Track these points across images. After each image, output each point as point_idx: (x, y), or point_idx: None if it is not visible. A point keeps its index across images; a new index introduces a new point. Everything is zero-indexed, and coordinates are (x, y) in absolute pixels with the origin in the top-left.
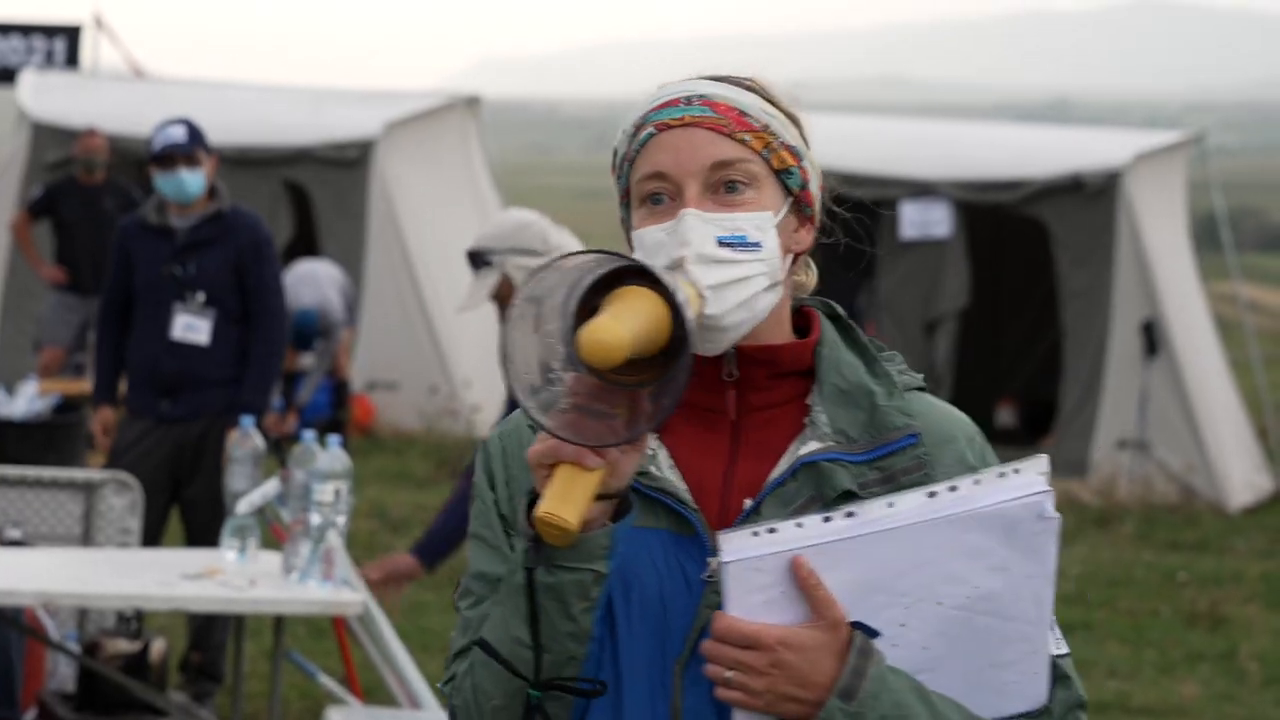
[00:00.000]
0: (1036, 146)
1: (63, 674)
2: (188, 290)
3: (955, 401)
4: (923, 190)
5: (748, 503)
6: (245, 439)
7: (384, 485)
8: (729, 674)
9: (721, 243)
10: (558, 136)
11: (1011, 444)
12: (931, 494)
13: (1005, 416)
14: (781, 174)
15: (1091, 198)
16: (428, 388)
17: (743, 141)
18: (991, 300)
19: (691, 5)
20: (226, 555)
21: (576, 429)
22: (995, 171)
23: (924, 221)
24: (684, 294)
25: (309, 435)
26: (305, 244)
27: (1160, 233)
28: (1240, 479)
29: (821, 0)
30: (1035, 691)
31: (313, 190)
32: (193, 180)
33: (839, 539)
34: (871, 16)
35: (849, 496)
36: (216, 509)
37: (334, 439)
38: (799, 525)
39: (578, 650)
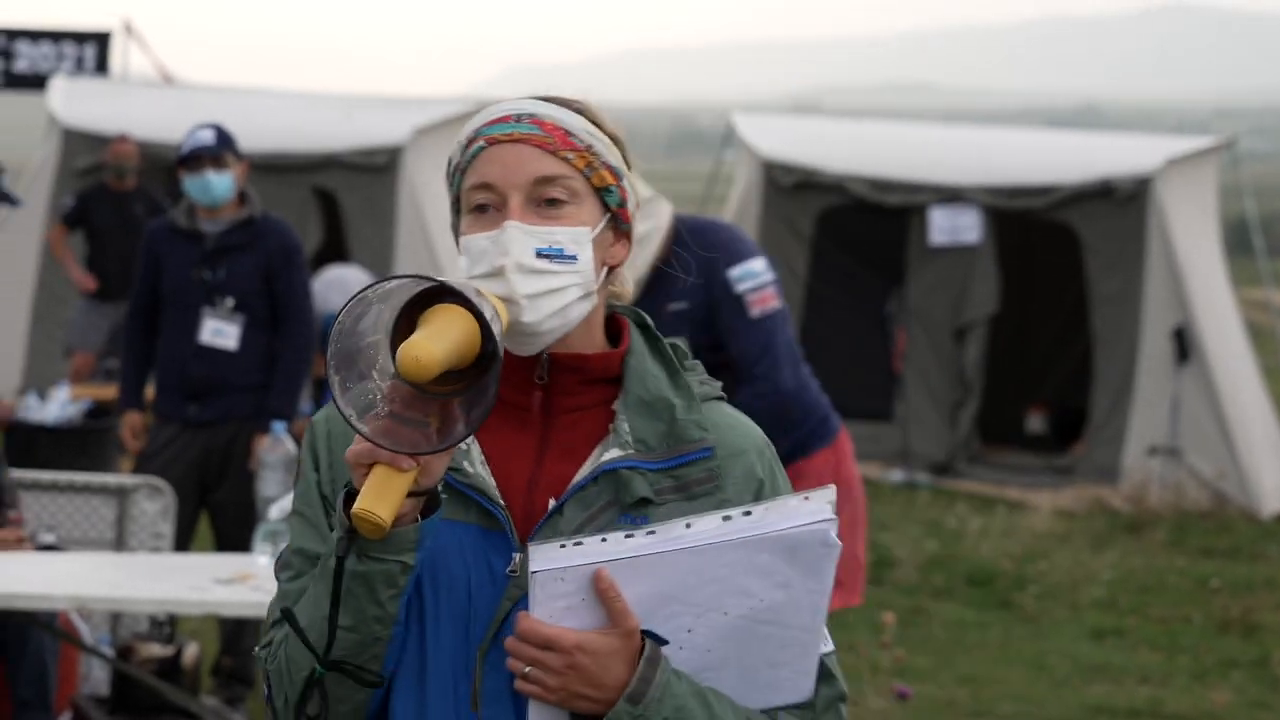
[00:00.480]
0: (1066, 152)
1: (96, 678)
2: (216, 295)
3: (985, 408)
4: (952, 196)
5: (551, 502)
6: (276, 444)
7: None
8: (528, 669)
9: (539, 254)
10: None
11: (1042, 450)
12: (726, 518)
13: (1035, 423)
14: (601, 191)
15: (1122, 203)
16: None
17: (565, 159)
18: (1021, 306)
19: (716, 12)
20: (259, 560)
21: (392, 436)
22: (1025, 177)
23: (953, 227)
24: (491, 311)
25: None
26: (334, 250)
27: (1191, 238)
28: (1272, 485)
29: (847, 6)
30: (804, 686)
31: (342, 196)
32: (219, 182)
33: (638, 555)
34: (898, 22)
35: (644, 503)
36: (245, 513)
37: None
38: (603, 540)
39: (383, 633)
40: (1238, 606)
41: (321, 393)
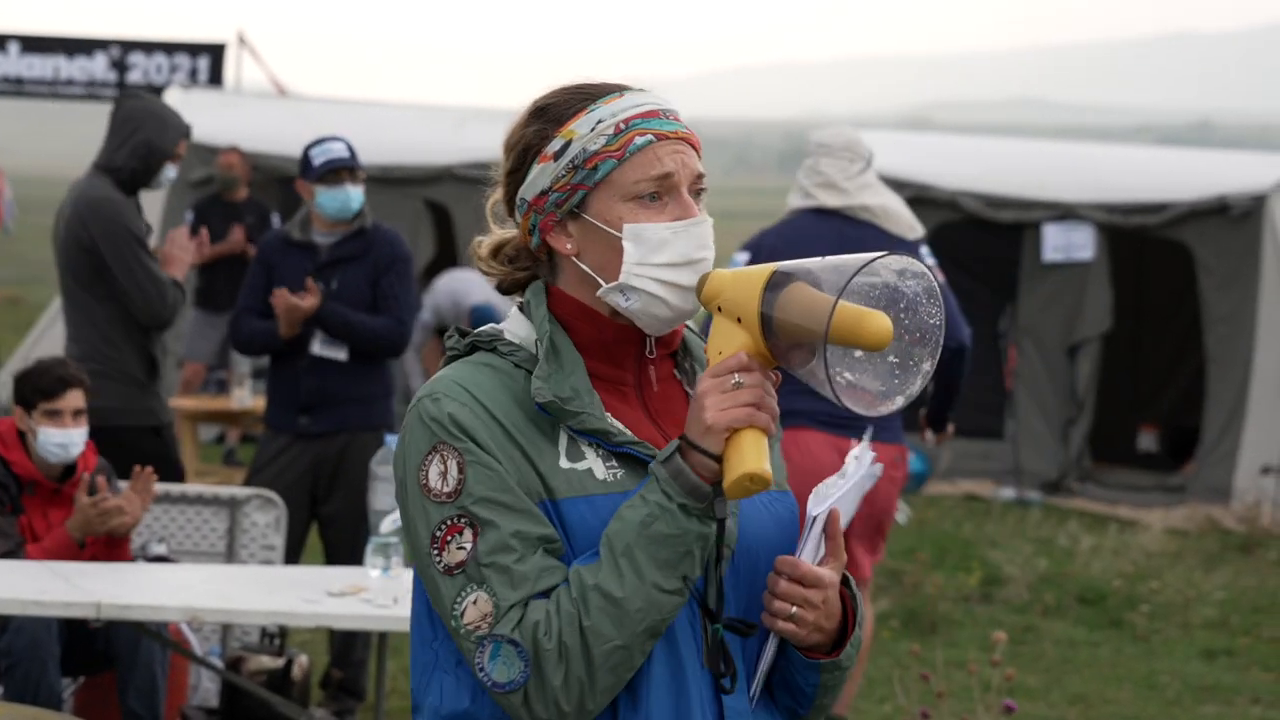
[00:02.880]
0: (1180, 169)
1: (205, 689)
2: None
3: (1097, 426)
4: (1065, 213)
5: None
6: (389, 456)
7: None
8: (794, 610)
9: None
10: None
11: (1154, 469)
12: (856, 456)
13: (1147, 441)
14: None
15: (1236, 221)
16: None
17: (699, 159)
18: (1134, 324)
19: (828, 29)
20: (370, 573)
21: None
22: (1138, 194)
23: (1067, 244)
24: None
25: None
26: (447, 264)
27: None
28: None
29: (962, 22)
30: None
31: (454, 209)
32: (356, 195)
33: (840, 493)
34: (1012, 38)
35: None
36: (356, 525)
37: None
38: (828, 485)
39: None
40: None
41: None
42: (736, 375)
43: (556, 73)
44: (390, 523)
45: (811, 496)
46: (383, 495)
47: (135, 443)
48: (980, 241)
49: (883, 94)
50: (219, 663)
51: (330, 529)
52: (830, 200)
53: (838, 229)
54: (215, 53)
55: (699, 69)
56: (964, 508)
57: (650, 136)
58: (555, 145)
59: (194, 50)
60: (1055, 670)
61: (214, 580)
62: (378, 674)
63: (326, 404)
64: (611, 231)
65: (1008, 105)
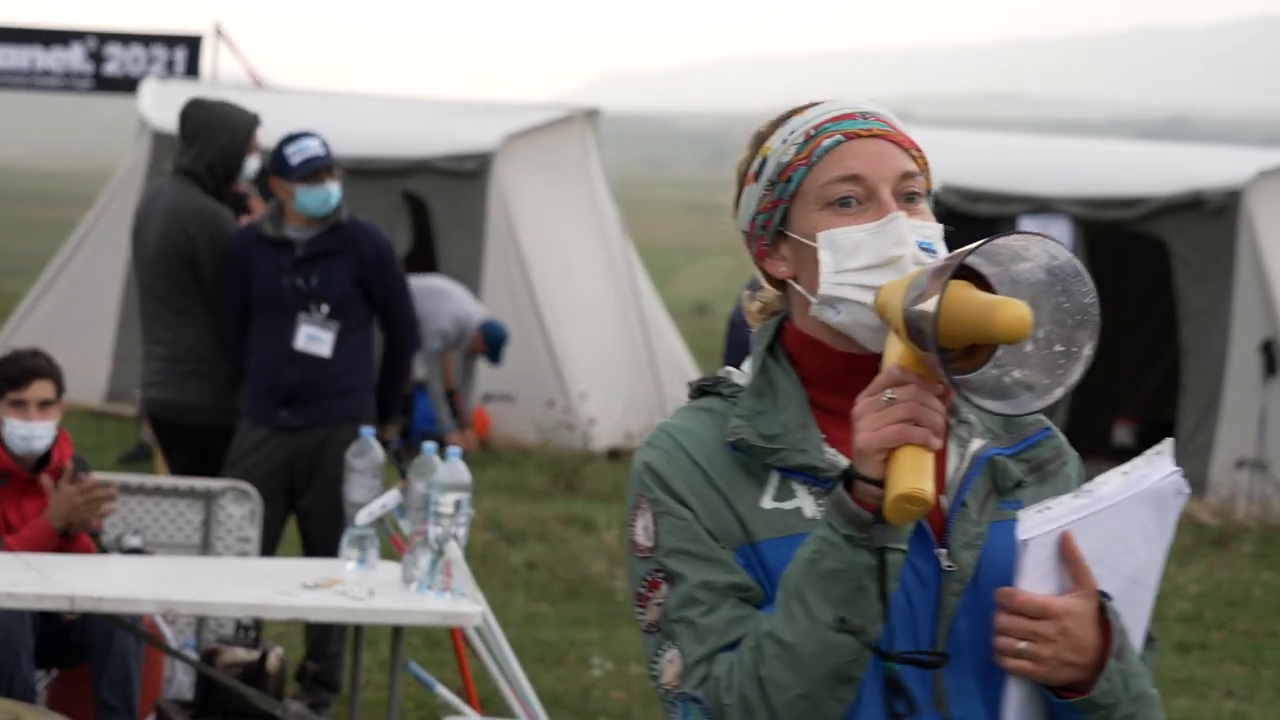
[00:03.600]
0: (1156, 164)
1: (180, 681)
2: (311, 302)
3: (1073, 419)
4: (1042, 207)
5: (944, 500)
6: (365, 449)
7: (499, 497)
8: (1022, 645)
9: (920, 247)
10: (674, 150)
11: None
12: (1125, 473)
13: (1122, 435)
14: (928, 195)
15: (1212, 215)
16: (544, 401)
17: (914, 158)
18: (1110, 318)
19: (807, 21)
20: (346, 565)
21: (918, 416)
22: (1115, 188)
23: None
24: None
25: (429, 447)
26: (423, 256)
27: None
28: None
29: (938, 15)
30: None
31: (431, 202)
32: (335, 192)
33: (1084, 515)
34: (990, 32)
35: (1018, 487)
36: (334, 518)
37: (454, 450)
38: (1061, 503)
39: (877, 635)
40: None
41: (408, 399)
42: (889, 391)
43: (535, 65)
44: (367, 515)
45: (1022, 518)
46: (358, 488)
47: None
48: (957, 235)
49: (861, 87)
50: (194, 655)
51: (308, 521)
52: None
53: None
54: (192, 44)
55: (677, 61)
56: None
57: (839, 137)
58: (755, 165)
59: (171, 41)
60: None
61: (189, 572)
62: (354, 667)
63: (308, 397)
64: (809, 243)
65: (985, 99)
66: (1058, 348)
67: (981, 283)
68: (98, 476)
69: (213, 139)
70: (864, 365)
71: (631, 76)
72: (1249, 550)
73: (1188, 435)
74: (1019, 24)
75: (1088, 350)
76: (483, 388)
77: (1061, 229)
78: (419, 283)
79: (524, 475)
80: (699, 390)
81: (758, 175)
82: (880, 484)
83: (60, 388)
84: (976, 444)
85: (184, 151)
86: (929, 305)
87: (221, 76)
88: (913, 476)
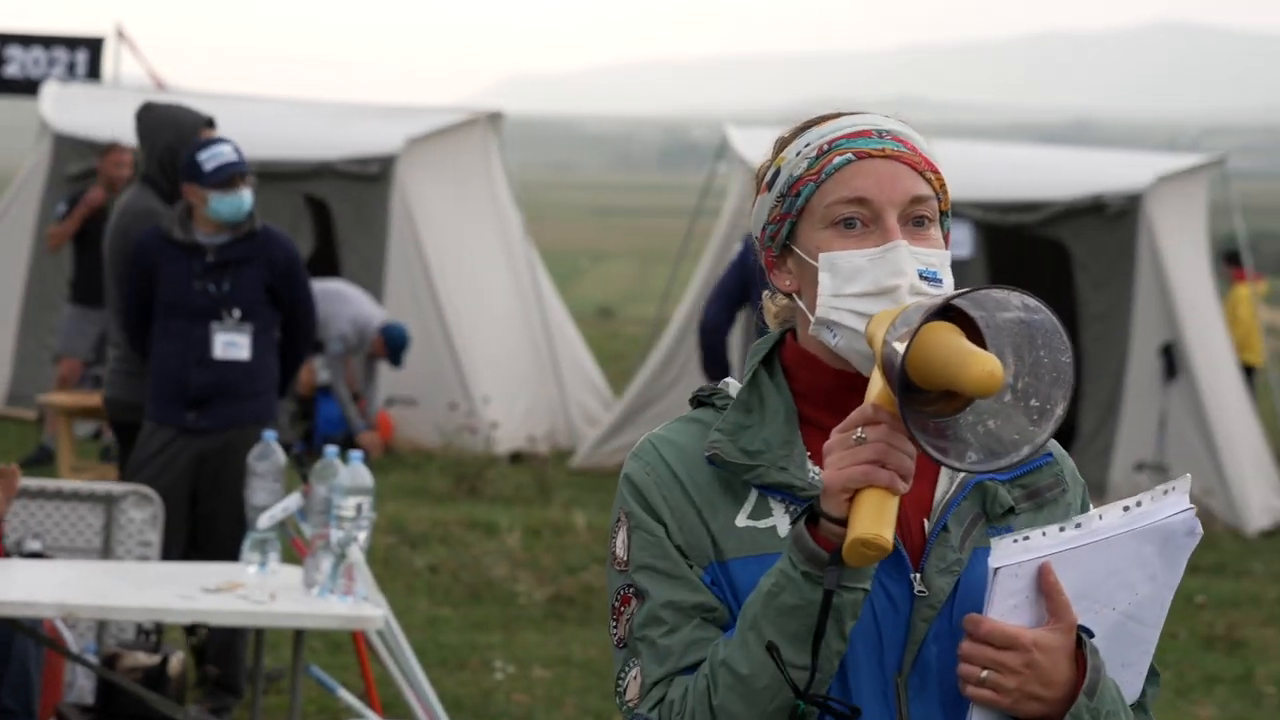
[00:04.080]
0: (1057, 168)
1: (81, 686)
2: (222, 308)
3: None
4: None
5: (926, 522)
6: (267, 452)
7: (402, 501)
8: (984, 674)
9: (920, 276)
10: (577, 154)
11: None
12: (1126, 508)
13: None
14: (943, 216)
15: (1112, 220)
16: (447, 404)
17: (929, 180)
18: None
19: (712, 25)
20: (247, 569)
21: (886, 458)
22: (1016, 192)
23: None
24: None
25: (331, 450)
26: (326, 259)
27: (1181, 255)
28: (1258, 502)
29: (842, 21)
30: (1136, 689)
31: (334, 205)
32: (249, 199)
33: (1073, 547)
34: (892, 37)
35: (1009, 513)
36: (238, 521)
37: (355, 454)
38: (1044, 534)
39: (835, 667)
40: (1222, 623)
41: (311, 405)
42: (860, 429)
43: (438, 68)
44: (268, 518)
45: (996, 546)
46: (259, 491)
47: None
48: None
49: (762, 92)
50: (94, 659)
51: (209, 524)
52: None
53: None
54: (94, 46)
55: (580, 64)
56: None
57: (850, 155)
58: (769, 174)
59: (72, 44)
60: None
61: (89, 577)
62: (254, 669)
63: (218, 400)
64: (811, 262)
65: (889, 104)
66: (1033, 403)
67: (971, 327)
68: None
69: (158, 139)
70: (859, 384)
71: (535, 80)
72: None
73: (1088, 438)
74: (921, 29)
75: (1060, 410)
76: (385, 391)
77: (963, 233)
78: (317, 286)
79: (426, 478)
80: (696, 400)
81: (770, 185)
82: (843, 523)
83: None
84: None
85: (142, 155)
86: (901, 344)
87: (123, 79)
88: (872, 521)
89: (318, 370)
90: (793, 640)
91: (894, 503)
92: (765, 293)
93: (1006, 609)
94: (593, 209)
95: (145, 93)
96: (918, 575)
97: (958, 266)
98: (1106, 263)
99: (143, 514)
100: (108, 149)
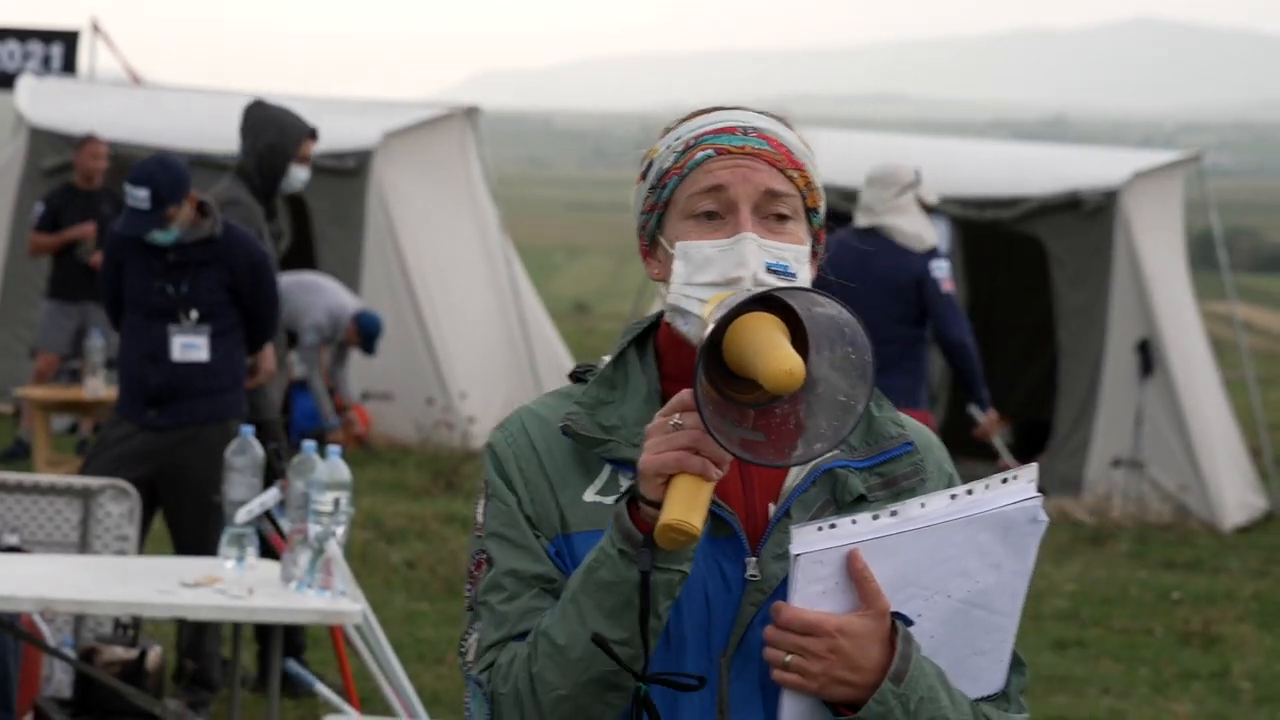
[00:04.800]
0: (1034, 164)
1: (59, 680)
2: (180, 309)
3: (950, 419)
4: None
5: (772, 507)
6: (244, 447)
7: (379, 496)
8: (789, 658)
9: (769, 268)
10: (553, 149)
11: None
12: (953, 496)
13: (1000, 434)
14: (811, 212)
15: (1089, 216)
16: (424, 399)
17: (790, 178)
18: (987, 318)
19: (689, 20)
20: (225, 564)
21: (702, 445)
22: (992, 189)
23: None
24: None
25: (309, 445)
26: (302, 253)
27: (1157, 252)
28: (1234, 499)
29: (820, 16)
30: (998, 678)
31: (310, 200)
32: (165, 236)
33: (886, 535)
34: (870, 33)
35: (860, 501)
36: (197, 516)
37: (334, 449)
38: (853, 522)
39: (654, 644)
40: (1199, 619)
41: (289, 397)
42: (678, 415)
43: (414, 63)
44: (246, 513)
45: (795, 534)
46: (237, 486)
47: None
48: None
49: (740, 87)
50: (72, 654)
51: (173, 517)
52: (862, 220)
53: (858, 243)
54: (69, 40)
55: (555, 59)
56: None
57: (710, 151)
58: (644, 165)
59: (47, 37)
60: None
61: (67, 571)
62: (231, 664)
63: (176, 399)
64: (671, 251)
65: (865, 100)
66: (841, 397)
67: (796, 322)
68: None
69: (260, 136)
70: None
71: (511, 75)
72: (1124, 549)
73: (1064, 435)
74: (900, 25)
75: (861, 407)
76: (362, 385)
77: (940, 228)
78: (291, 278)
79: (403, 473)
80: (573, 376)
81: (644, 176)
82: (659, 506)
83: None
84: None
85: (240, 148)
86: (709, 330)
87: (99, 73)
88: (682, 507)
89: (294, 364)
90: (609, 616)
91: (707, 489)
92: None
93: (813, 595)
94: (568, 204)
95: (121, 86)
96: (753, 559)
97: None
98: (1083, 259)
99: (120, 508)
100: (83, 141)
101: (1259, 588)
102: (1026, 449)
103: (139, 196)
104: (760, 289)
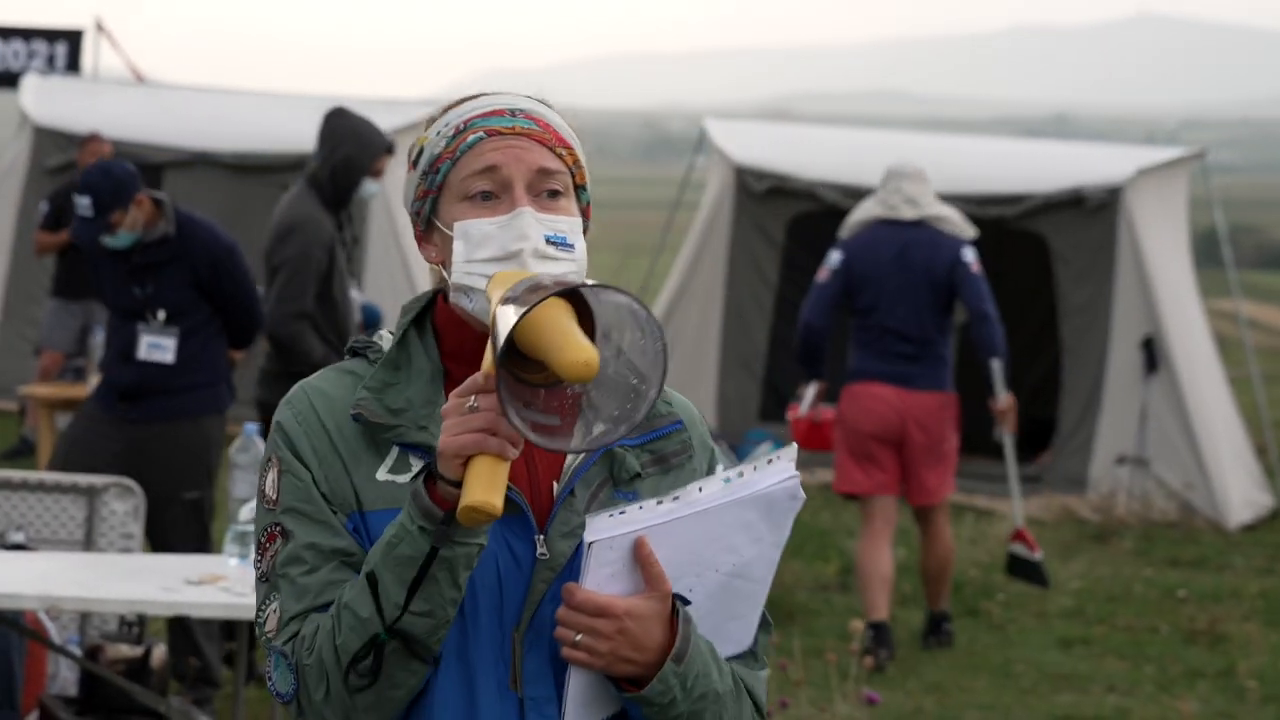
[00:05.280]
0: (1037, 161)
1: (64, 678)
2: (147, 309)
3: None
4: None
5: (556, 486)
6: (248, 445)
7: None
8: (579, 638)
9: (548, 240)
10: None
11: None
12: (727, 480)
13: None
14: (579, 189)
15: (1092, 213)
16: None
17: (559, 155)
18: None
19: (691, 18)
20: (229, 561)
21: (496, 426)
22: (996, 186)
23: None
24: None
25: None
26: None
27: (1161, 249)
28: (1239, 496)
29: (823, 14)
30: (748, 638)
31: None
32: (116, 240)
33: (669, 519)
34: (873, 30)
35: (635, 478)
36: (163, 508)
37: None
38: (640, 508)
39: (452, 614)
40: (1204, 617)
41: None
42: (473, 397)
43: (416, 62)
44: (248, 510)
45: (590, 522)
46: (241, 483)
47: None
48: (839, 231)
49: (743, 85)
50: (77, 651)
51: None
52: (909, 213)
53: (902, 234)
54: (73, 39)
55: (557, 58)
56: (821, 497)
57: (481, 134)
58: (414, 153)
59: (51, 36)
60: (912, 659)
61: (72, 568)
62: (236, 663)
63: (145, 396)
64: (449, 233)
65: (869, 97)
66: (633, 380)
67: (583, 307)
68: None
69: (336, 148)
70: None
71: (512, 73)
72: (1129, 546)
73: (1069, 432)
74: (904, 22)
75: (654, 393)
76: None
77: None
78: None
79: None
80: (351, 350)
81: (415, 163)
82: (459, 485)
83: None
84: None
85: (316, 155)
86: (509, 318)
87: (103, 72)
88: (481, 488)
89: None
90: (399, 585)
91: (505, 468)
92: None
93: (603, 578)
94: None
95: (125, 86)
96: (541, 538)
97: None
98: (1086, 256)
99: (125, 506)
100: (87, 140)
101: (1265, 585)
102: (1030, 447)
103: (83, 205)
104: (558, 285)
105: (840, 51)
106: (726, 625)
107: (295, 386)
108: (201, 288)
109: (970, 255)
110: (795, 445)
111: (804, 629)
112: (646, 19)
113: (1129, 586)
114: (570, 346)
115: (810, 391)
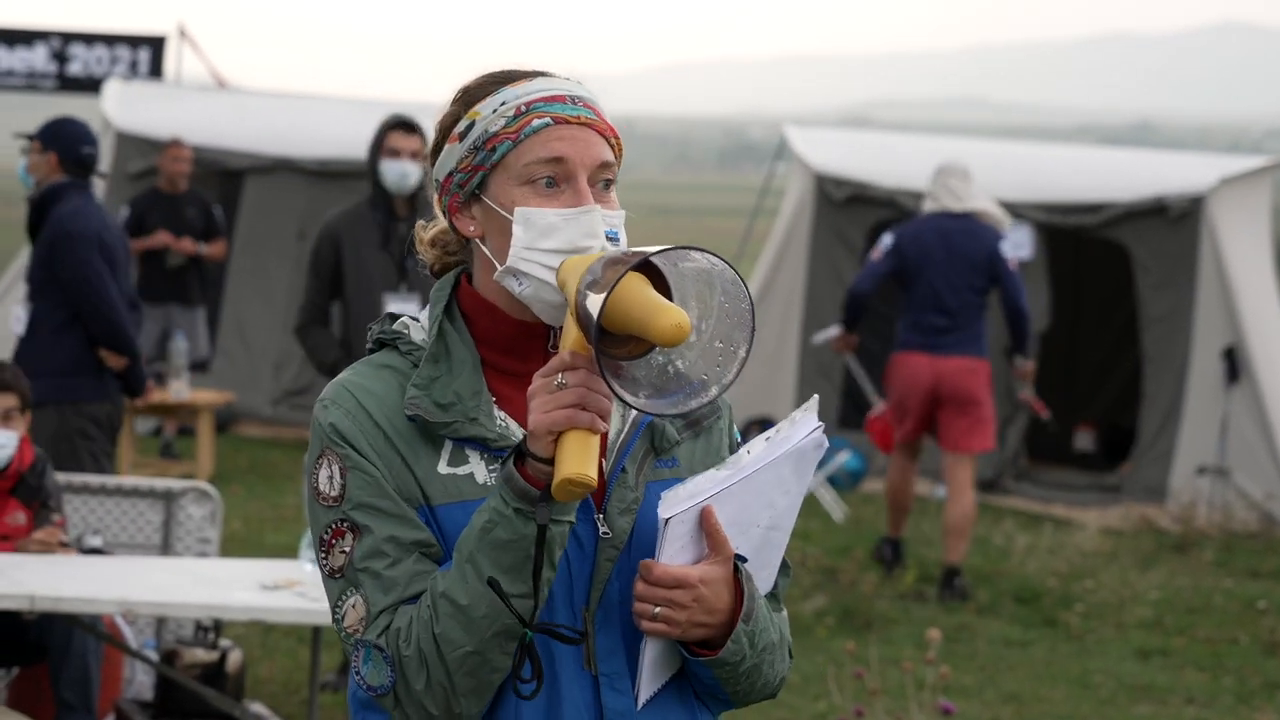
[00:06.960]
0: (1119, 169)
1: (140, 682)
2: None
3: (1033, 425)
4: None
5: (604, 464)
6: None
7: None
8: (657, 610)
9: (607, 236)
10: (637, 154)
11: (1090, 468)
12: (767, 439)
13: (1083, 440)
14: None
15: (1174, 222)
16: None
17: (611, 146)
18: (1072, 324)
19: (773, 25)
20: (304, 566)
21: (586, 400)
22: (1077, 194)
23: (1006, 243)
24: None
25: None
26: None
27: (1243, 258)
28: None
29: (905, 21)
30: (770, 583)
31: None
32: (21, 167)
33: (726, 486)
34: (955, 38)
35: (673, 445)
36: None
37: None
38: (704, 479)
39: (547, 593)
40: None
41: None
42: (561, 375)
43: (496, 68)
44: None
45: (665, 498)
46: None
47: None
48: None
49: (823, 92)
50: (154, 655)
51: None
52: (955, 206)
53: (948, 224)
54: (156, 45)
55: (639, 65)
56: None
57: (548, 120)
58: (462, 126)
59: (134, 42)
60: (989, 669)
61: (148, 573)
62: (312, 668)
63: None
64: (504, 214)
65: (948, 104)
66: (718, 344)
67: (656, 275)
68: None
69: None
70: (536, 331)
71: (594, 80)
72: (1210, 557)
73: (1149, 441)
74: (984, 29)
75: (743, 351)
76: None
77: (1024, 234)
78: None
79: None
80: (378, 343)
81: (462, 136)
82: (550, 463)
83: (24, 400)
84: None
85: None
86: (597, 299)
87: (185, 77)
88: (577, 461)
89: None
90: (508, 572)
91: (596, 441)
92: (420, 222)
93: (674, 551)
94: (650, 208)
95: (207, 91)
96: (600, 516)
97: (1020, 268)
98: (1168, 265)
99: (202, 510)
100: (168, 146)
101: None
102: (1110, 456)
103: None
104: (636, 257)
105: (920, 58)
106: (759, 575)
107: (333, 385)
108: (49, 266)
109: (1008, 249)
110: (817, 396)
111: (881, 638)
112: (727, 26)
113: (1209, 598)
114: (660, 312)
115: (834, 330)
